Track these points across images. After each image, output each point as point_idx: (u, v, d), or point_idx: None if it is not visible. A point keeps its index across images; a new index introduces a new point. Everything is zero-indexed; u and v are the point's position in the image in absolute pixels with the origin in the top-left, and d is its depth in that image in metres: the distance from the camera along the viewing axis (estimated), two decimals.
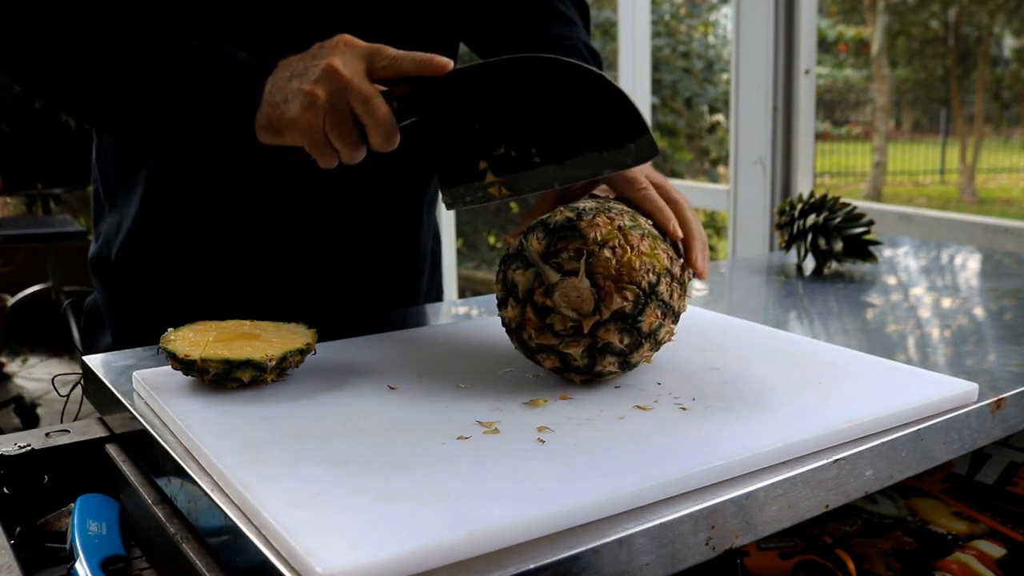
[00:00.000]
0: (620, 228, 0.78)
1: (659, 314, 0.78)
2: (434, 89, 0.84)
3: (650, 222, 0.83)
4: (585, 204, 0.81)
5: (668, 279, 0.79)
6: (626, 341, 0.77)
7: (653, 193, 0.85)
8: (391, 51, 0.83)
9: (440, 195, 0.90)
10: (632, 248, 0.77)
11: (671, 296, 0.79)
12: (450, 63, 0.84)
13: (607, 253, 0.76)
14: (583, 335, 0.77)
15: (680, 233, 0.84)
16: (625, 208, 0.82)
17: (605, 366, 0.78)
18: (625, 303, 0.76)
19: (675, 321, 0.81)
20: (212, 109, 0.88)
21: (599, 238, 0.76)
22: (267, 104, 0.85)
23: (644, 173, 0.88)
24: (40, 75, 0.95)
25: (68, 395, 0.99)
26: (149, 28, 0.92)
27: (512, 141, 0.83)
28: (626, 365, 0.79)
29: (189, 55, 0.90)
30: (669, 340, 0.82)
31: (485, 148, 0.84)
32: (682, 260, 0.83)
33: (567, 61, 0.81)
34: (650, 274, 0.77)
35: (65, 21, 0.92)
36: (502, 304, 0.82)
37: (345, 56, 0.83)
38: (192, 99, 0.89)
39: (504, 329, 0.83)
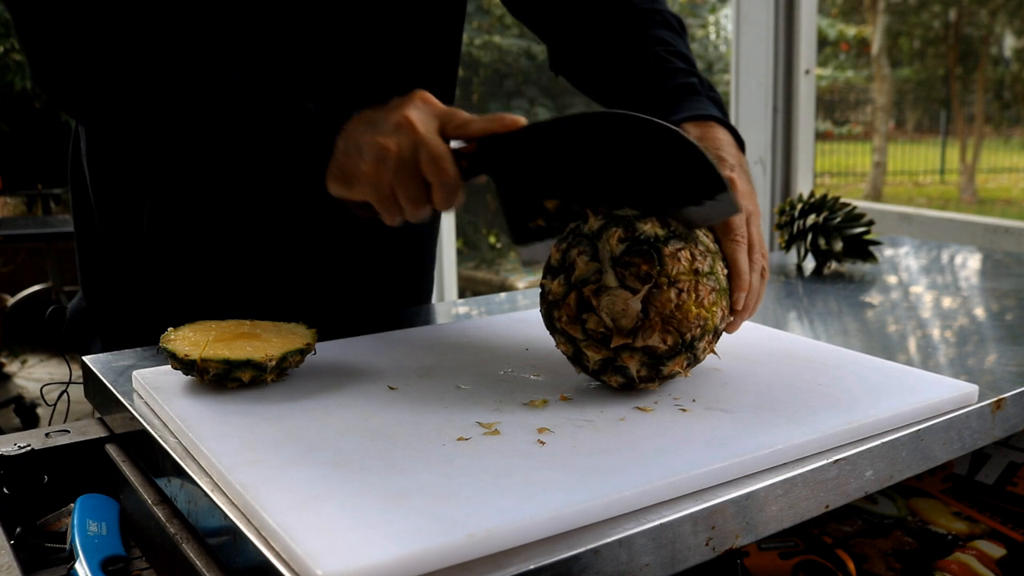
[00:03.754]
0: (696, 272, 0.76)
1: (684, 364, 0.78)
2: (504, 146, 0.82)
3: (726, 272, 0.80)
4: (679, 225, 0.78)
5: (710, 336, 0.78)
6: (643, 373, 0.77)
7: (743, 252, 0.82)
8: (464, 114, 0.83)
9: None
10: (697, 298, 0.75)
11: (703, 351, 0.78)
12: (522, 120, 0.82)
13: (672, 293, 0.74)
14: (607, 347, 0.76)
15: (740, 307, 0.82)
16: (711, 247, 0.79)
17: (611, 379, 0.78)
18: (662, 344, 0.75)
19: (693, 365, 0.80)
20: (284, 159, 0.87)
21: (673, 274, 0.75)
22: (340, 154, 0.83)
23: (748, 217, 0.84)
24: (93, 102, 0.93)
25: (55, 404, 0.99)
26: (212, 60, 0.90)
27: (584, 199, 0.81)
28: (630, 385, 0.79)
29: (261, 99, 0.88)
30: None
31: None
32: (731, 318, 0.82)
33: (640, 117, 0.78)
34: (698, 329, 0.76)
35: (120, 47, 0.89)
36: (550, 273, 0.79)
37: (421, 112, 0.82)
38: (264, 148, 0.87)
39: (539, 298, 0.81)
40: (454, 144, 0.83)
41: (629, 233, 0.76)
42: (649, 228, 0.76)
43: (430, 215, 0.85)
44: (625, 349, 0.76)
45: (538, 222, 0.84)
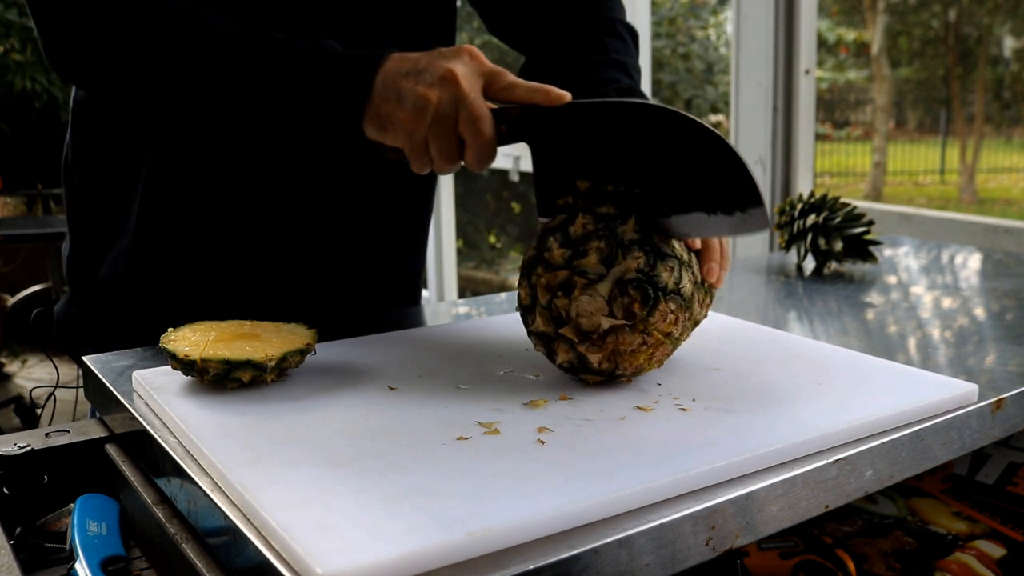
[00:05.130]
0: (668, 335, 0.78)
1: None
2: (546, 118, 0.82)
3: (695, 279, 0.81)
4: (669, 273, 0.78)
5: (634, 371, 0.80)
6: (565, 362, 0.80)
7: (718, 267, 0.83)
8: (510, 76, 0.82)
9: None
10: (650, 356, 0.79)
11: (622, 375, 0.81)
12: (567, 95, 0.81)
13: (637, 340, 0.77)
14: (563, 328, 0.78)
15: (714, 280, 0.83)
16: (689, 292, 0.79)
17: (561, 353, 0.80)
18: (596, 364, 0.78)
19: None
20: (321, 102, 0.85)
21: (649, 328, 0.77)
22: (378, 97, 0.82)
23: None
24: (113, 72, 0.92)
25: (43, 406, 0.99)
26: (220, 18, 0.89)
27: (619, 181, 0.81)
28: (580, 360, 0.80)
29: (283, 46, 0.86)
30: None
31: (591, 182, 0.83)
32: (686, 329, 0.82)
33: (689, 117, 0.77)
34: (631, 372, 0.80)
35: (133, 17, 0.89)
36: (560, 233, 0.79)
37: (467, 68, 0.81)
38: (298, 93, 0.86)
39: (537, 245, 0.81)
40: (495, 106, 0.82)
41: (650, 264, 0.77)
42: (667, 276, 0.77)
43: (457, 169, 0.84)
44: (563, 340, 0.78)
45: (567, 199, 0.83)
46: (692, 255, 0.81)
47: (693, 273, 0.80)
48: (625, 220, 0.78)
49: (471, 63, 0.82)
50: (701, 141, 0.77)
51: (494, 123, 0.81)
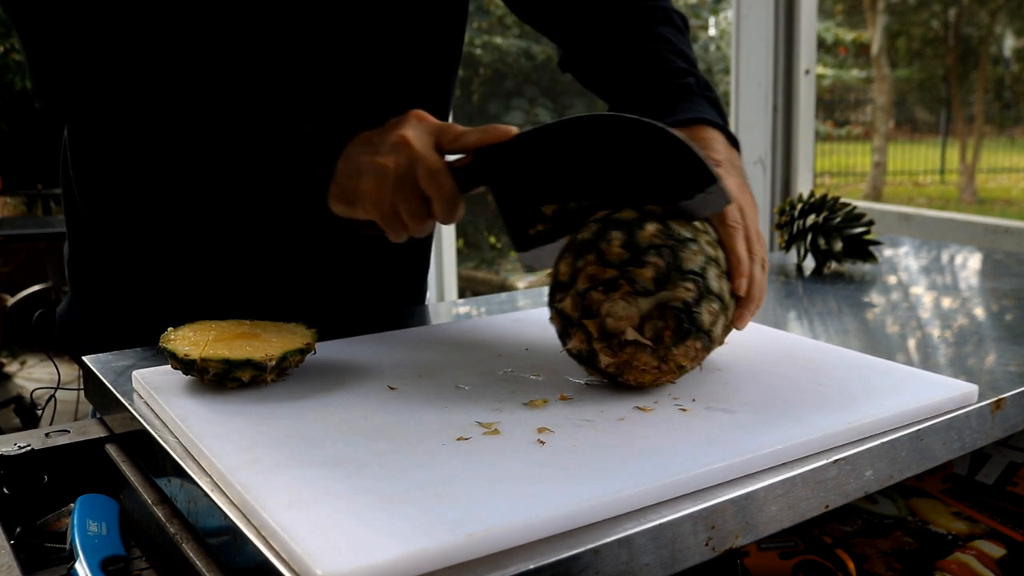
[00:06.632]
0: (681, 367, 0.77)
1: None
2: (499, 155, 0.84)
3: (724, 274, 0.81)
4: (690, 288, 0.77)
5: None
6: (579, 349, 0.79)
7: (740, 239, 0.83)
8: (457, 127, 0.85)
9: None
10: (655, 379, 0.78)
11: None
12: (512, 130, 0.84)
13: (651, 362, 0.76)
14: (588, 319, 0.77)
15: (742, 292, 0.82)
16: (719, 289, 0.79)
17: (574, 340, 0.79)
18: (599, 357, 0.78)
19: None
20: (287, 181, 0.89)
21: (668, 357, 0.76)
22: (341, 176, 0.86)
23: (741, 208, 0.85)
24: (94, 111, 0.93)
25: (43, 407, 0.99)
26: (214, 69, 0.91)
27: (580, 197, 0.83)
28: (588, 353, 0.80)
29: (261, 119, 0.89)
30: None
31: (555, 204, 0.84)
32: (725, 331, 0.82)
33: (626, 117, 0.80)
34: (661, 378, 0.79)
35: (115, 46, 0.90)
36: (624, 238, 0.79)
37: (416, 130, 0.84)
38: (266, 170, 0.89)
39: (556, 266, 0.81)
40: (451, 158, 0.85)
41: (697, 299, 0.76)
42: (707, 318, 0.77)
43: (432, 229, 0.87)
44: (583, 330, 0.77)
45: (537, 228, 0.85)
46: (733, 299, 0.81)
47: (727, 316, 0.80)
48: (697, 241, 0.78)
49: (419, 124, 0.85)
50: (646, 136, 0.79)
51: (452, 174, 0.83)
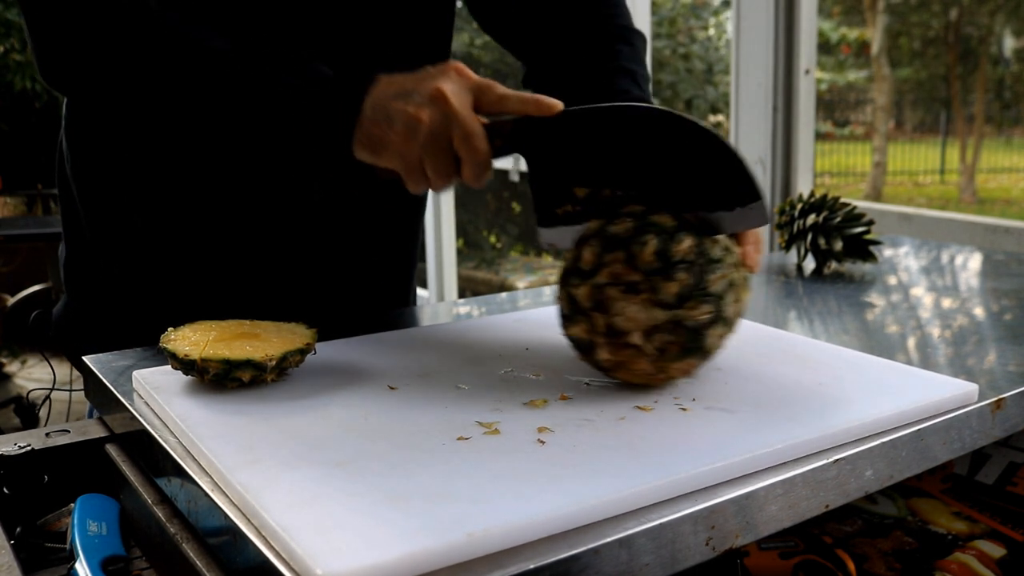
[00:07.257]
0: (686, 372, 0.79)
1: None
2: (540, 129, 0.81)
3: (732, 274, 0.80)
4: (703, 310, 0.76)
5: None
6: (581, 338, 0.79)
7: (759, 259, 0.84)
8: (500, 88, 0.81)
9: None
10: (658, 374, 0.78)
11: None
12: (559, 104, 0.81)
13: (649, 369, 0.77)
14: (597, 312, 0.77)
15: (752, 265, 0.83)
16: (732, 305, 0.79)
17: (578, 328, 0.79)
18: (598, 353, 0.78)
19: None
20: (310, 129, 0.85)
21: (671, 368, 0.77)
22: (367, 121, 0.82)
23: None
24: (105, 86, 0.92)
25: (39, 407, 0.99)
26: (217, 35, 0.89)
27: (616, 185, 0.80)
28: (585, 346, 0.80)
29: (271, 76, 0.86)
30: None
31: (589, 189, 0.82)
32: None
33: (683, 116, 0.77)
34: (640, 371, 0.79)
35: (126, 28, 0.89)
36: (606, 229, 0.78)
37: (455, 84, 0.80)
38: (287, 121, 0.86)
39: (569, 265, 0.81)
40: (486, 120, 0.81)
41: (711, 323, 0.76)
42: (712, 340, 0.77)
43: (455, 187, 0.84)
44: (589, 321, 0.77)
45: (566, 208, 0.83)
46: (738, 321, 0.82)
47: (727, 334, 0.80)
48: (735, 263, 0.79)
49: (459, 80, 0.81)
50: (696, 139, 0.77)
51: (487, 137, 0.80)
